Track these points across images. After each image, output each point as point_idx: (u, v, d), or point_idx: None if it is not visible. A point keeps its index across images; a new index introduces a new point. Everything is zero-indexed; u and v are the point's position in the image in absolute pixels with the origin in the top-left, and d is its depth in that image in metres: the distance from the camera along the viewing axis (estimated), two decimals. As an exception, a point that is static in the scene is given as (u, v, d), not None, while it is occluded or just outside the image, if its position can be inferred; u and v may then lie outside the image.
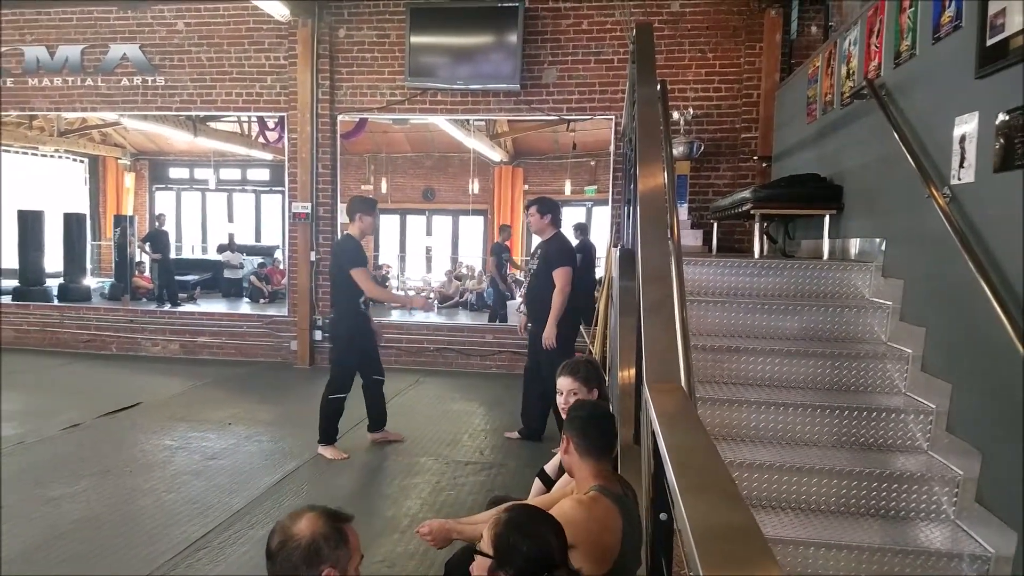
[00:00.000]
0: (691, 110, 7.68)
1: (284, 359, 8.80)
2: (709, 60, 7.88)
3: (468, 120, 11.59)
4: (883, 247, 4.21)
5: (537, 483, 3.27)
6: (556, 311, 5.36)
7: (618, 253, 4.83)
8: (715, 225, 6.79)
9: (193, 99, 8.77)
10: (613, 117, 8.09)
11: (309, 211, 8.51)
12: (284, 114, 8.73)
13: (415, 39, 8.12)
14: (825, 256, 4.87)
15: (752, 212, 5.05)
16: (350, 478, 5.03)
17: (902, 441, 3.41)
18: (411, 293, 14.49)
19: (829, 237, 4.94)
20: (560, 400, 3.27)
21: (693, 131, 7.67)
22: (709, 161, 7.87)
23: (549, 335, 5.38)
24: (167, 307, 11.13)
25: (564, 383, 3.27)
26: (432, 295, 13.32)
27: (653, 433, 1.93)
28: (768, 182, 6.38)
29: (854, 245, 4.65)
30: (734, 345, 3.98)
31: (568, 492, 2.61)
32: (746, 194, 5.20)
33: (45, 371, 8.35)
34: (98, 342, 9.32)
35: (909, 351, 3.68)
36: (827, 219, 4.91)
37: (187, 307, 11.34)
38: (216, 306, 12.05)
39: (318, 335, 8.64)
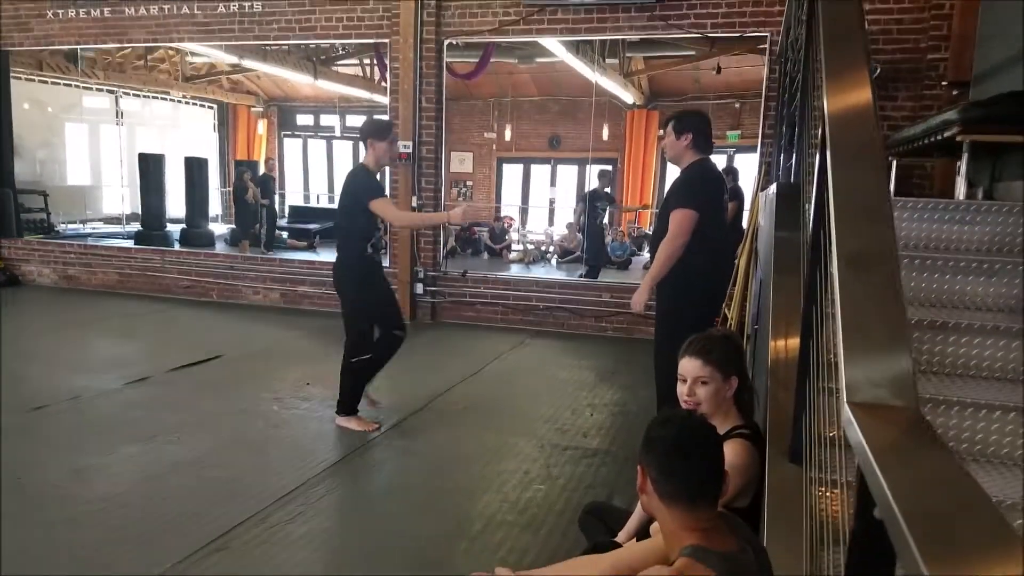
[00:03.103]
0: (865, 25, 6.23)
1: (385, 313, 8.11)
2: (890, -37, 6.38)
3: (595, 48, 10.34)
4: None
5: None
6: (656, 266, 3.74)
7: (774, 192, 3.67)
8: (893, 164, 5.42)
9: (292, 27, 8.03)
10: (768, 34, 6.74)
11: (411, 151, 7.68)
12: (387, 41, 7.88)
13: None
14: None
15: (959, 139, 3.74)
16: (422, 460, 4.19)
17: None
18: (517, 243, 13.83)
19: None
20: (682, 390, 2.33)
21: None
22: (884, 88, 6.38)
23: (637, 298, 3.84)
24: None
25: (688, 367, 2.31)
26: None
27: (866, 491, 0.99)
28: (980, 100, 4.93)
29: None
30: (937, 319, 2.79)
31: (660, 548, 1.68)
32: (951, 115, 3.86)
33: (136, 318, 8.00)
34: (198, 288, 8.96)
35: None
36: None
37: (287, 255, 10.99)
38: (331, 255, 11.63)
39: (419, 288, 7.88)
